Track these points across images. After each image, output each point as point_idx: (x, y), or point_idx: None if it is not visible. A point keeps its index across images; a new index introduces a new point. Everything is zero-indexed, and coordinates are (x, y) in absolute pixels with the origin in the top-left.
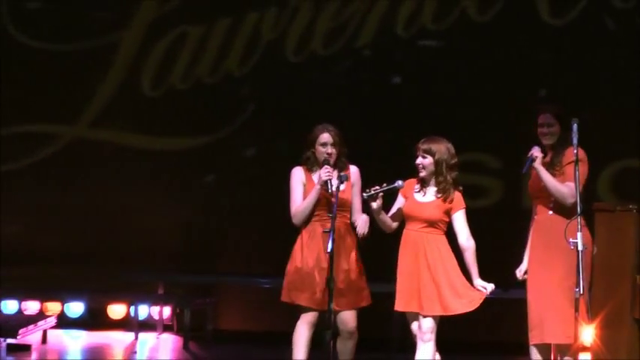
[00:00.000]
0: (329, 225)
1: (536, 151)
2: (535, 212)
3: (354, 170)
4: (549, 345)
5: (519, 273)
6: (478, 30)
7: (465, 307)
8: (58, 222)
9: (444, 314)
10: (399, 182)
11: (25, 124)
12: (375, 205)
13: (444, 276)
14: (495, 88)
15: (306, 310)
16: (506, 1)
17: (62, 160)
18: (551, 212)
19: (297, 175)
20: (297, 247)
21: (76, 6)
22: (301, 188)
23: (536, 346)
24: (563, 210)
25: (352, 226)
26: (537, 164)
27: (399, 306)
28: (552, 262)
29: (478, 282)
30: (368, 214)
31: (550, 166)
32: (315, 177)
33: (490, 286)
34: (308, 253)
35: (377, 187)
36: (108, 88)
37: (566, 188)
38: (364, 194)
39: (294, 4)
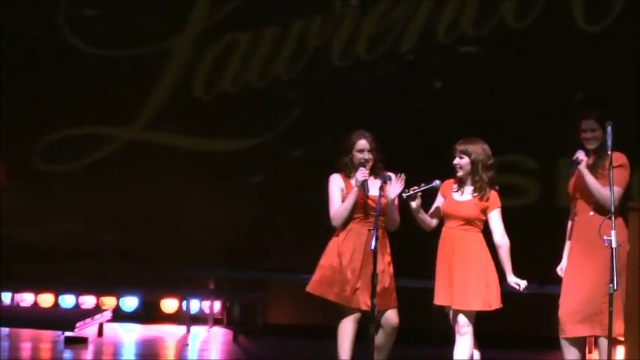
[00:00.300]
0: (366, 227)
1: (581, 155)
2: (575, 212)
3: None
4: (583, 339)
5: (561, 271)
6: (515, 36)
7: (480, 306)
8: (113, 220)
9: (471, 310)
10: (437, 182)
11: (82, 127)
12: (414, 204)
13: (475, 272)
14: (532, 92)
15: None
16: (542, 8)
17: (117, 160)
18: (592, 212)
19: (335, 181)
20: (332, 244)
21: (131, 14)
22: (339, 193)
23: (568, 339)
24: (604, 211)
25: (387, 231)
26: (582, 167)
27: (438, 300)
28: (591, 260)
29: (511, 278)
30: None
31: (593, 169)
32: (352, 182)
33: (523, 283)
34: (342, 252)
35: (416, 188)
36: (161, 92)
37: (608, 192)
38: (404, 194)
39: (339, 11)
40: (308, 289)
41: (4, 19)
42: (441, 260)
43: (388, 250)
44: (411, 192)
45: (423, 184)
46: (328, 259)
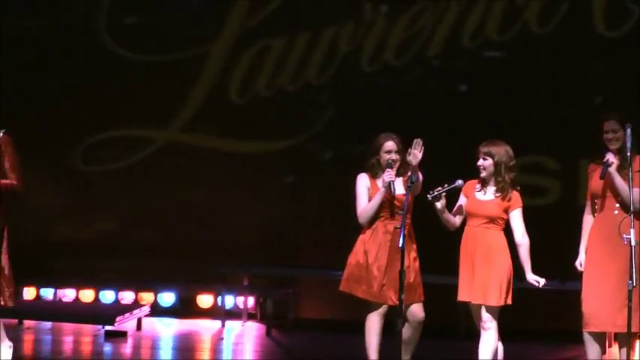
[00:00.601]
0: (391, 225)
1: (611, 157)
2: (598, 210)
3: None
4: (604, 334)
5: (580, 265)
6: (538, 41)
7: (496, 302)
8: (151, 219)
9: (489, 304)
10: (459, 182)
11: (121, 129)
12: (439, 204)
13: (497, 269)
14: (553, 95)
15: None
16: (564, 14)
17: (155, 161)
18: (617, 211)
19: (362, 180)
20: (359, 242)
21: (169, 20)
22: (366, 192)
23: (592, 334)
24: (628, 210)
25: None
26: (612, 169)
27: (462, 296)
28: (613, 257)
29: (531, 276)
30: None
31: (619, 170)
32: (379, 182)
33: (542, 281)
34: (368, 250)
35: (440, 188)
36: (197, 95)
37: (636, 194)
38: (428, 195)
39: (369, 18)
40: (340, 287)
41: (47, 29)
42: (464, 257)
43: (414, 246)
44: (436, 193)
45: (446, 185)
46: (355, 257)
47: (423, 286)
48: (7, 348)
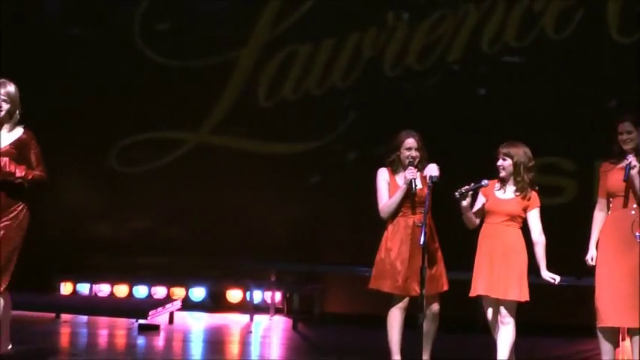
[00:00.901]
0: (411, 220)
1: (633, 160)
2: (614, 208)
3: (432, 166)
4: (617, 329)
5: (592, 260)
6: (555, 47)
7: (516, 296)
8: (183, 217)
9: (509, 299)
10: (485, 181)
11: (153, 132)
12: (465, 203)
13: (516, 265)
14: (569, 98)
15: (397, 296)
16: (579, 21)
17: (187, 162)
18: (634, 211)
19: (383, 175)
20: (383, 239)
21: (199, 27)
22: (386, 187)
23: (605, 329)
24: None
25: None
26: (635, 172)
27: (479, 291)
28: (627, 254)
29: (546, 274)
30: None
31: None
32: (397, 177)
33: (558, 278)
34: (391, 245)
35: (466, 187)
36: (227, 99)
37: None
38: (456, 194)
39: (391, 24)
40: (369, 285)
41: (87, 36)
42: (482, 253)
43: (435, 237)
44: (463, 191)
45: (472, 184)
46: (380, 254)
47: (446, 278)
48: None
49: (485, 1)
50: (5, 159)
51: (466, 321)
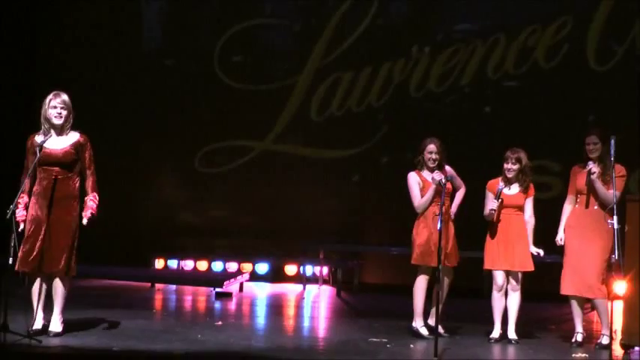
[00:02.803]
0: (437, 208)
1: (594, 167)
2: (580, 203)
3: (448, 169)
4: (582, 297)
5: (561, 240)
6: (545, 74)
7: (532, 267)
8: (251, 208)
9: (528, 270)
10: (501, 184)
11: (229, 140)
12: (495, 213)
13: (527, 244)
14: (557, 114)
15: (425, 267)
16: (565, 53)
17: (254, 165)
18: (596, 207)
19: (414, 177)
20: (420, 229)
21: (266, 59)
22: (418, 187)
23: (569, 296)
24: (604, 207)
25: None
26: (594, 177)
27: (497, 265)
28: (589, 239)
29: (533, 248)
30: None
31: (602, 175)
32: (424, 174)
33: (541, 252)
34: (424, 232)
35: (496, 202)
36: (286, 115)
37: (611, 194)
38: (491, 211)
39: (416, 56)
40: (413, 261)
41: (179, 66)
42: (499, 236)
43: (452, 222)
44: (495, 208)
45: (497, 199)
46: (422, 237)
47: (458, 255)
48: (40, 320)
49: (490, 38)
50: (88, 213)
51: (474, 289)
